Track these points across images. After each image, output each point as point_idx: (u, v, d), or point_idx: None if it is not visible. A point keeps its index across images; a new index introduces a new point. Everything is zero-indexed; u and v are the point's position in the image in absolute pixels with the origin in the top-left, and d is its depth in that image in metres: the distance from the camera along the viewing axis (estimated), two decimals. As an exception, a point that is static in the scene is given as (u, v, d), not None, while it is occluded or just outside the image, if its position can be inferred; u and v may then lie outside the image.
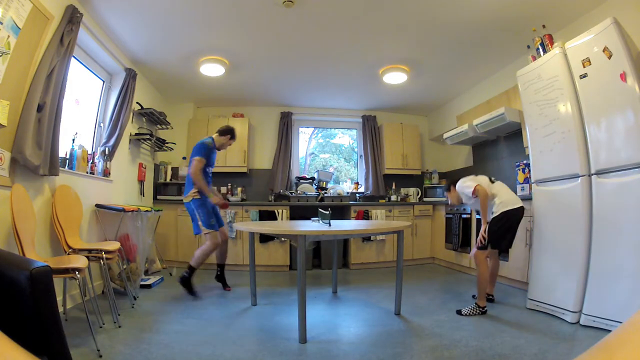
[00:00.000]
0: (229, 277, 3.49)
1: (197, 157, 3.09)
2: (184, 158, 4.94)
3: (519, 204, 2.63)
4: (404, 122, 5.51)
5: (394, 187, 5.32)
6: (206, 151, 3.15)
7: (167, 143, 4.53)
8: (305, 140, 5.92)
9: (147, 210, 3.54)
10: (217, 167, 4.85)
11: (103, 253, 2.34)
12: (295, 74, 4.29)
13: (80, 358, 1.72)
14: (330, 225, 2.40)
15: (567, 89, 2.38)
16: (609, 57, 2.11)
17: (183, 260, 3.93)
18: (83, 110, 3.27)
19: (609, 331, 0.72)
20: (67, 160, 2.78)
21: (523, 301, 2.68)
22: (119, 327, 2.19)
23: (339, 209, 4.79)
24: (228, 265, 4.27)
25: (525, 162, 3.41)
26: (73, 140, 2.85)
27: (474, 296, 2.57)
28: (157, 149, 4.52)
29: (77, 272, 1.82)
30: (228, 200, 4.80)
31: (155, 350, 1.87)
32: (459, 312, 2.53)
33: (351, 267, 4.46)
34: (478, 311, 2.51)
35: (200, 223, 3.07)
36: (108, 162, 3.29)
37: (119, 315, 2.35)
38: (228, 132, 3.33)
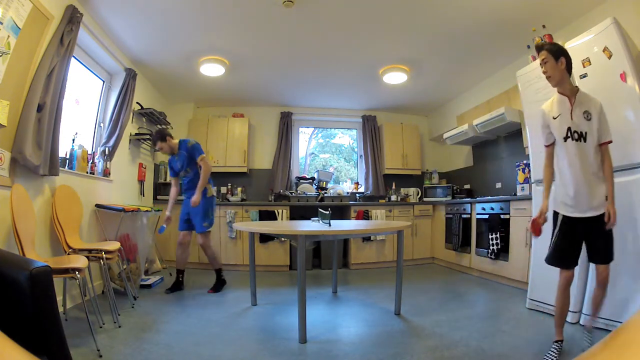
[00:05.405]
0: (230, 277, 3.50)
1: (203, 154, 3.22)
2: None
3: None
4: (404, 122, 5.51)
5: (394, 187, 5.31)
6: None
7: (167, 143, 4.53)
8: (305, 140, 5.92)
9: (147, 210, 3.55)
10: (217, 167, 4.92)
11: (103, 253, 2.34)
12: (295, 74, 4.28)
13: (80, 358, 1.72)
14: (330, 225, 2.39)
15: (567, 89, 2.38)
16: (609, 57, 2.11)
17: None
18: (83, 110, 3.27)
19: (609, 331, 0.72)
20: (67, 160, 2.78)
21: (523, 301, 2.68)
22: (119, 327, 2.19)
23: (339, 209, 4.79)
24: (228, 265, 4.29)
25: (525, 162, 3.40)
26: (73, 140, 2.85)
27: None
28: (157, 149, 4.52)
29: (77, 272, 1.82)
30: (228, 200, 4.82)
31: (155, 350, 1.87)
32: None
33: (351, 267, 4.46)
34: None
35: (207, 223, 3.24)
36: (108, 162, 3.29)
37: (119, 315, 2.35)
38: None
